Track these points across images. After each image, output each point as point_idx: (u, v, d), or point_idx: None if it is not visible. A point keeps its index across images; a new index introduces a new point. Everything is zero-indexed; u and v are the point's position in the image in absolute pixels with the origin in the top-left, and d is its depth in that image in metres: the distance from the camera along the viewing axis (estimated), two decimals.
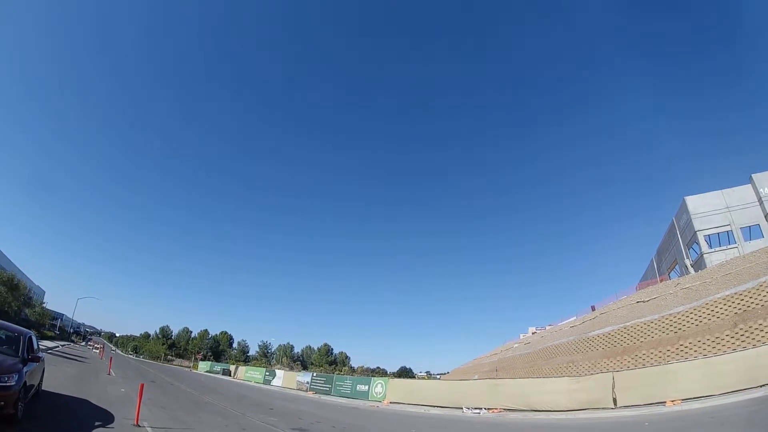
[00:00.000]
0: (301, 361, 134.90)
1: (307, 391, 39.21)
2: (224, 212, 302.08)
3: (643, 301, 37.98)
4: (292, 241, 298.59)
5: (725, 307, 26.04)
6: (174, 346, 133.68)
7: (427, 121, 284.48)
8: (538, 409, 20.87)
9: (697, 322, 26.91)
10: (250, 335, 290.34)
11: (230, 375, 61.50)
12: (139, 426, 11.62)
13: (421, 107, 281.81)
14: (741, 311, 24.69)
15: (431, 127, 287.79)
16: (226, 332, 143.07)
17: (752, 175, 46.39)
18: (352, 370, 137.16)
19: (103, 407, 13.77)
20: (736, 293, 26.54)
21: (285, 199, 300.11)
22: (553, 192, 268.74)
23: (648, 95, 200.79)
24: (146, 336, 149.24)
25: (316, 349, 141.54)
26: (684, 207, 50.33)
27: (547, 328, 67.25)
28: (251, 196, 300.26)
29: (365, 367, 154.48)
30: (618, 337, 32.67)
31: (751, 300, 24.87)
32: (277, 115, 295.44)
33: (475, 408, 23.31)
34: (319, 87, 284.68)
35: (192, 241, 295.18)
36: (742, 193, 46.72)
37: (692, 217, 48.26)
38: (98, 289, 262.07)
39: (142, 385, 13.52)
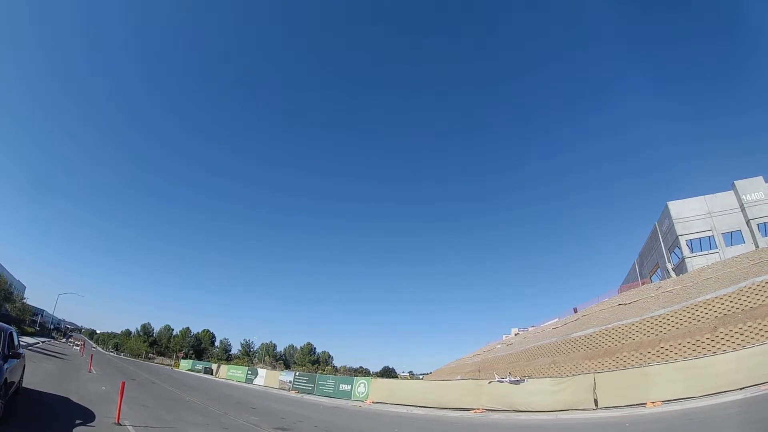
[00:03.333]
0: (283, 360, 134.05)
1: (289, 390, 38.93)
2: (209, 208, 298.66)
3: (625, 304, 38.33)
4: (276, 239, 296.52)
5: (706, 311, 26.32)
6: (155, 344, 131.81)
7: (422, 120, 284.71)
8: (520, 409, 20.86)
9: (677, 325, 27.17)
10: (232, 333, 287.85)
11: (212, 373, 60.90)
12: (120, 424, 11.56)
13: (416, 106, 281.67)
14: (721, 315, 24.97)
15: (422, 127, 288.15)
16: (208, 330, 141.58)
17: (735, 181, 47.14)
18: (335, 370, 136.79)
19: (84, 405, 13.69)
20: (716, 297, 26.85)
21: (268, 195, 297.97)
22: (539, 195, 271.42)
23: (635, 100, 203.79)
24: (127, 333, 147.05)
25: (299, 348, 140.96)
26: (667, 212, 50.90)
27: (530, 329, 67.72)
28: (238, 191, 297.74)
29: (348, 366, 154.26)
30: (599, 338, 32.89)
31: (732, 304, 25.17)
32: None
33: (458, 408, 23.27)
34: (315, 88, 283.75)
35: (175, 238, 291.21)
36: (725, 199, 47.40)
37: (675, 221, 48.83)
38: (80, 285, 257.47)
39: (123, 383, 13.39)
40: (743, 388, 15.97)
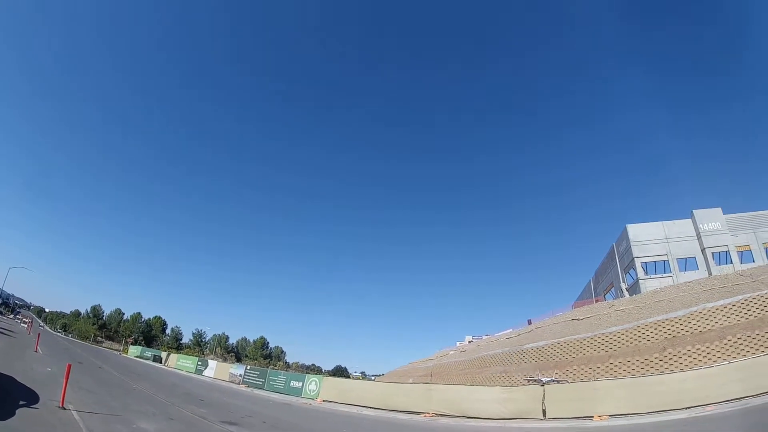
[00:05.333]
0: (235, 353, 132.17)
1: (239, 383, 37.96)
2: (166, 198, 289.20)
3: (578, 319, 38.85)
4: (233, 233, 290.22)
5: (656, 332, 26.78)
6: (105, 328, 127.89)
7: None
8: (470, 416, 20.70)
9: (628, 343, 27.58)
10: (184, 322, 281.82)
11: (161, 362, 58.79)
12: (65, 408, 11.40)
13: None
14: (670, 337, 25.45)
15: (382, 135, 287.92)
16: (159, 317, 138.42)
17: (694, 210, 48.73)
18: (287, 366, 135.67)
19: (29, 386, 13.45)
20: (667, 319, 27.36)
21: (228, 188, 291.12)
22: (504, 212, 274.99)
23: (607, 126, 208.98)
24: (76, 314, 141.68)
25: (251, 341, 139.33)
26: (625, 234, 52.14)
27: (484, 337, 68.21)
28: (190, 182, 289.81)
29: (301, 363, 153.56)
30: (551, 351, 33.16)
31: (681, 327, 25.69)
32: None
33: (408, 411, 23.01)
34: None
35: (132, 224, 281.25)
36: (682, 226, 48.93)
37: (632, 244, 50.05)
38: (30, 261, 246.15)
39: (69, 366, 13.02)
40: (688, 407, 16.16)
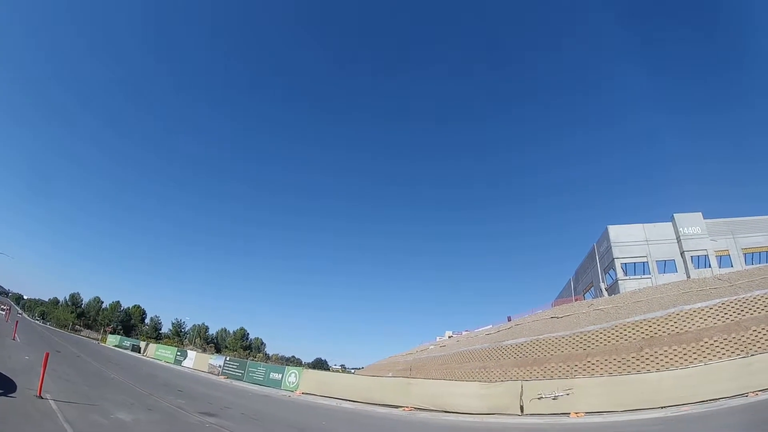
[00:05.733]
0: (215, 344, 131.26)
1: (218, 375, 37.56)
2: (147, 189, 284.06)
3: (557, 317, 39.21)
4: (215, 225, 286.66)
5: (634, 332, 27.11)
6: (83, 316, 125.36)
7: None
8: (448, 410, 20.71)
9: (605, 342, 27.88)
10: (164, 312, 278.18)
11: (140, 352, 57.92)
12: (42, 398, 11.40)
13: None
14: (648, 337, 25.78)
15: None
16: (139, 306, 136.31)
17: (674, 214, 49.51)
18: (267, 357, 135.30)
19: (6, 374, 13.38)
20: (644, 320, 27.71)
21: (204, 179, 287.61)
22: (486, 211, 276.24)
23: (588, 131, 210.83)
24: (55, 302, 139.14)
25: (231, 332, 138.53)
26: (606, 235, 52.68)
27: (464, 333, 68.53)
28: (169, 172, 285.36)
29: (280, 355, 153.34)
30: (530, 348, 33.41)
31: (659, 328, 26.04)
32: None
33: (388, 405, 22.99)
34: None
35: (112, 214, 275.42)
36: (663, 229, 49.65)
37: (612, 244, 50.60)
38: (8, 246, 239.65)
39: (47, 355, 12.96)
40: (664, 407, 16.34)
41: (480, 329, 60.86)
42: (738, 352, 21.25)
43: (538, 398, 17.71)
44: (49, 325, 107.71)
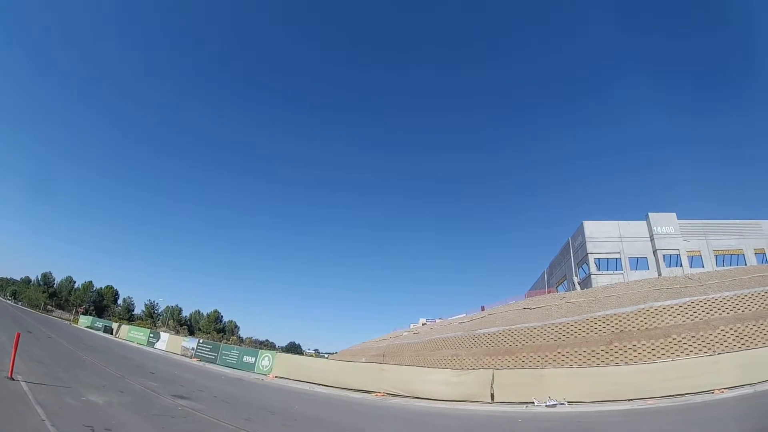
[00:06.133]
0: (188, 326, 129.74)
1: (191, 357, 37.17)
2: (121, 172, 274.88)
3: (530, 308, 39.71)
4: (191, 207, 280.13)
5: (604, 325, 27.60)
6: (55, 296, 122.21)
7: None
8: (420, 396, 20.89)
9: (576, 335, 28.35)
10: (137, 293, 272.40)
11: (112, 333, 56.93)
12: (13, 379, 11.39)
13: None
14: (618, 331, 26.28)
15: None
16: (111, 287, 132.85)
17: (649, 213, 50.51)
18: (240, 340, 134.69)
19: None
20: (615, 314, 28.21)
21: (172, 161, 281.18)
22: (465, 203, 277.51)
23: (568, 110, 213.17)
24: (27, 281, 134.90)
25: (205, 314, 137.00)
26: (581, 229, 53.39)
27: (437, 321, 68.96)
28: (142, 156, 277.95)
29: (254, 338, 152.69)
30: (502, 337, 33.82)
31: (628, 322, 26.56)
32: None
33: (360, 390, 23.10)
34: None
35: (86, 194, 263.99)
36: (637, 227, 50.63)
37: (587, 240, 51.34)
38: None
39: (18, 335, 12.74)
40: (631, 399, 16.73)
41: (454, 317, 61.38)
42: (705, 350, 21.88)
43: (545, 404, 17.81)
44: (21, 305, 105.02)
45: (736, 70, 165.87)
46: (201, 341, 41.49)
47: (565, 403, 17.48)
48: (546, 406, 17.40)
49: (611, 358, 23.94)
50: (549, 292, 53.21)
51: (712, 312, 24.78)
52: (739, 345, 21.75)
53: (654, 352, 22.99)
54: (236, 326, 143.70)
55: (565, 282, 59.41)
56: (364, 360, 44.78)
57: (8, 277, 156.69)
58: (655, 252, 48.36)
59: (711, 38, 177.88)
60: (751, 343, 21.83)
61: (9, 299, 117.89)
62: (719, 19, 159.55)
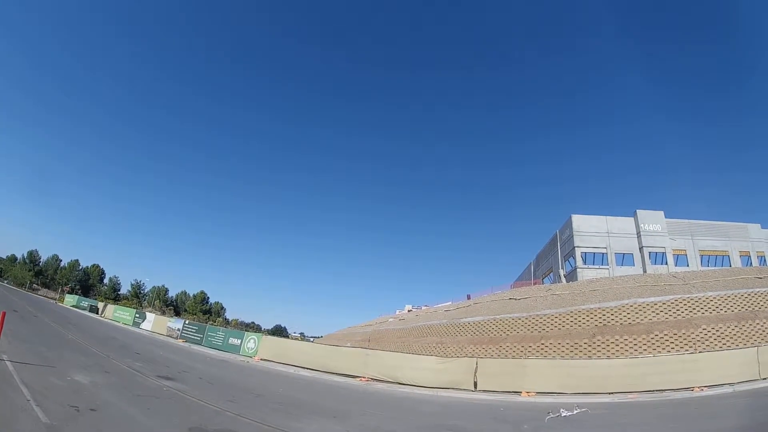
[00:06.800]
0: (174, 307, 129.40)
1: (177, 338, 37.05)
2: (106, 151, 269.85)
3: (515, 299, 40.06)
4: (179, 189, 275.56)
5: (587, 319, 27.93)
6: (41, 274, 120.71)
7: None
8: (404, 383, 21.10)
9: (559, 327, 28.67)
10: (123, 272, 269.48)
11: (98, 312, 56.51)
12: None
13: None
14: (601, 325, 26.62)
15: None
16: (97, 266, 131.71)
17: (637, 210, 51.08)
18: (227, 322, 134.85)
19: None
20: (599, 308, 28.54)
21: (167, 146, 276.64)
22: (453, 197, 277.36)
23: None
24: (12, 259, 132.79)
25: (191, 295, 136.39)
26: (569, 223, 53.78)
27: (423, 308, 69.45)
28: (128, 134, 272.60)
29: (240, 320, 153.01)
30: (487, 327, 34.12)
31: (612, 317, 26.89)
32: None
33: (345, 374, 23.28)
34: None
35: (73, 173, 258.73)
36: (625, 223, 51.17)
37: (574, 233, 51.74)
38: None
39: (3, 314, 12.65)
40: (612, 393, 17.03)
41: (439, 305, 61.75)
42: (686, 348, 22.27)
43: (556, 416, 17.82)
44: (6, 283, 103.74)
45: (734, 73, 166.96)
46: (187, 322, 41.40)
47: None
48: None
49: (594, 352, 24.27)
50: (535, 284, 53.68)
51: (695, 311, 25.17)
52: (720, 345, 22.15)
53: (636, 348, 23.34)
54: (222, 308, 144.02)
55: (551, 274, 60.00)
56: (349, 345, 45.00)
57: None
58: (641, 249, 48.96)
59: (710, 41, 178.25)
60: (732, 343, 22.25)
61: None
62: (717, 20, 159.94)
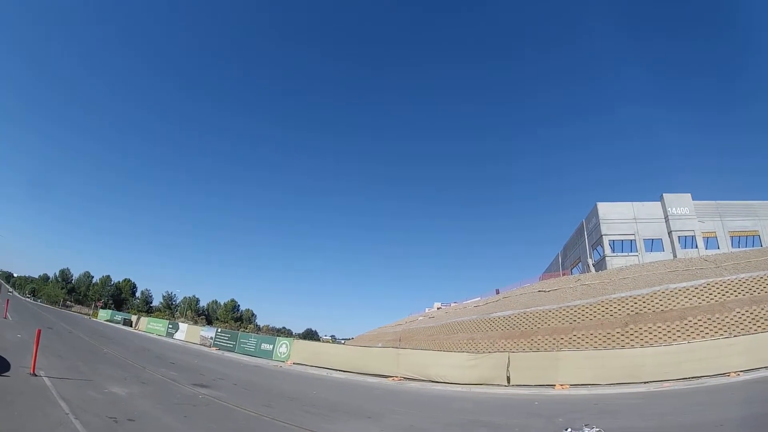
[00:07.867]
0: (206, 316, 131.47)
1: (210, 346, 37.86)
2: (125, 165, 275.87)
3: (545, 291, 39.81)
4: (205, 203, 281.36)
5: (619, 308, 27.64)
6: (74, 292, 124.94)
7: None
8: (437, 380, 21.20)
9: (591, 317, 28.43)
10: (154, 285, 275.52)
11: (131, 325, 58.11)
12: (36, 375, 11.41)
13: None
14: (633, 313, 26.31)
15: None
16: (129, 280, 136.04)
17: (663, 194, 49.95)
18: (258, 328, 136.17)
19: None
20: (630, 296, 28.22)
21: (187, 157, 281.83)
22: (475, 194, 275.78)
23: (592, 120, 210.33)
24: (45, 278, 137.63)
25: (222, 304, 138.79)
26: (595, 211, 52.97)
27: (452, 305, 69.32)
28: (150, 151, 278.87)
29: (271, 326, 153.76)
30: (517, 320, 34.00)
31: (644, 305, 26.55)
32: None
33: (377, 375, 23.47)
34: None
35: (98, 188, 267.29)
36: (652, 208, 50.09)
37: (601, 221, 50.96)
38: None
39: (39, 332, 12.68)
40: (646, 382, 16.90)
41: (468, 301, 61.57)
42: (721, 332, 21.85)
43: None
44: (40, 302, 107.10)
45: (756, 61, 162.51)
46: (219, 330, 42.20)
47: None
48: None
49: (627, 341, 24.00)
50: (563, 275, 53.04)
51: (727, 294, 24.70)
52: (754, 328, 21.65)
53: (670, 335, 23.01)
54: (253, 314, 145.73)
55: (579, 264, 59.14)
56: (380, 345, 45.26)
57: (26, 275, 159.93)
58: (669, 233, 47.92)
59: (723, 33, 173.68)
60: (767, 325, 21.78)
61: (28, 297, 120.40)
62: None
